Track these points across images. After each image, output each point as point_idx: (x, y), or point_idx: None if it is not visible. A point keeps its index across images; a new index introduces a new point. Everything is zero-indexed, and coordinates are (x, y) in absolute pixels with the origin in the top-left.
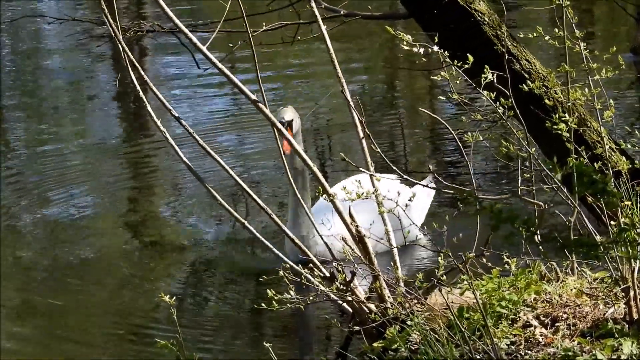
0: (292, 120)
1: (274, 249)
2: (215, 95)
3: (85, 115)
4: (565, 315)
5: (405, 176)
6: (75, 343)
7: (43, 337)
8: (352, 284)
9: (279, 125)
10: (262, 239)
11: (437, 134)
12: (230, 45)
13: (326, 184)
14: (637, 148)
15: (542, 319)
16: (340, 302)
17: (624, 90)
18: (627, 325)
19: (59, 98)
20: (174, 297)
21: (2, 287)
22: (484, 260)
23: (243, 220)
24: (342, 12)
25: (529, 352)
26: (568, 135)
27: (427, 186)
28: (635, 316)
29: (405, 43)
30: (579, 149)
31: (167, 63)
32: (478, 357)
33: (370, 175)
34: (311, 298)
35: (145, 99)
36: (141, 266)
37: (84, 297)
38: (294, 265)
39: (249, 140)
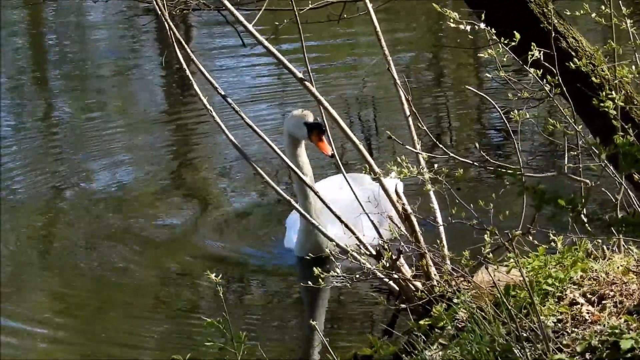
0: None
1: (320, 228)
2: (259, 67)
3: (129, 89)
4: (612, 293)
5: (451, 154)
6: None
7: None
8: (398, 262)
9: (325, 103)
10: (309, 217)
11: (483, 112)
12: (276, 23)
13: (373, 163)
14: None
15: (589, 296)
16: (386, 280)
17: None
18: None
19: (103, 71)
20: (219, 276)
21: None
22: (531, 238)
23: (288, 198)
24: None
25: (576, 329)
26: (615, 112)
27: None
28: None
29: (452, 20)
30: (626, 127)
31: (212, 38)
32: (525, 334)
33: (417, 153)
34: (357, 276)
35: (191, 77)
36: (183, 239)
37: (129, 271)
38: (341, 244)
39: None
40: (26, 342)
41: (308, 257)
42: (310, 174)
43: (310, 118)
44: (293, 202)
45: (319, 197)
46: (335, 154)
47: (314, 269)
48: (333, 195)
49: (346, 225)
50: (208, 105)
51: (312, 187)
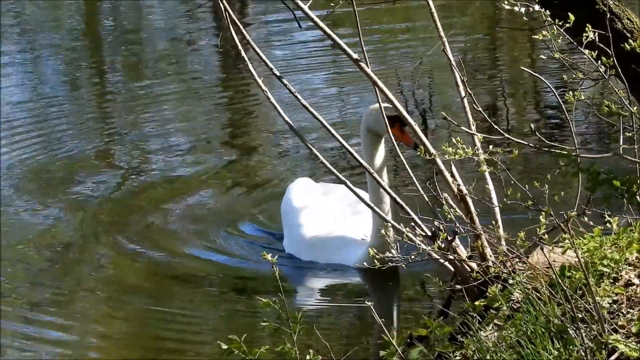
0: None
1: (376, 209)
2: (315, 50)
3: (185, 70)
4: None
5: (506, 135)
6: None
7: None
8: (453, 243)
9: (380, 84)
10: (362, 198)
11: (538, 93)
12: (332, 4)
13: (428, 143)
14: None
15: None
16: (442, 261)
17: None
18: None
19: (159, 54)
20: (276, 256)
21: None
22: (586, 219)
23: (345, 180)
24: None
25: (631, 310)
26: None
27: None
28: None
29: (506, 2)
30: None
31: (267, 18)
32: (580, 315)
33: (472, 134)
34: (413, 257)
35: (246, 58)
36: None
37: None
38: (396, 225)
39: (349, 95)
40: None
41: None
42: (385, 174)
43: (389, 110)
44: (349, 184)
45: (391, 196)
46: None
47: (369, 249)
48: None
49: (404, 209)
50: (264, 87)
51: (385, 187)
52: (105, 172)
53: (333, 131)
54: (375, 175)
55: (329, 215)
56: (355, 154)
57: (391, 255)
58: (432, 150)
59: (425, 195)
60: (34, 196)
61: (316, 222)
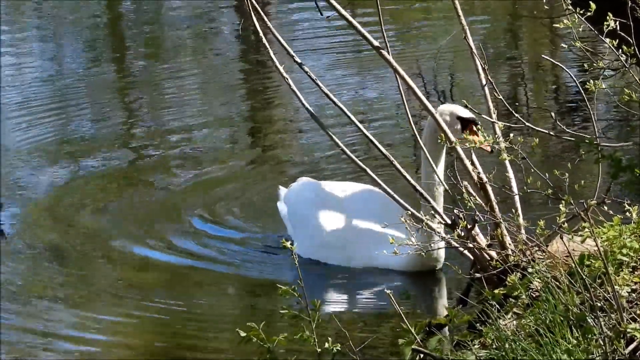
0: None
1: (392, 193)
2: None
3: (205, 57)
4: None
5: (527, 124)
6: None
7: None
8: (473, 231)
9: (401, 72)
10: (381, 183)
11: (559, 82)
12: None
13: (448, 131)
14: None
15: None
16: (461, 249)
17: None
18: None
19: (180, 40)
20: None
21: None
22: (605, 207)
23: (364, 166)
24: None
25: None
26: None
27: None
28: None
29: None
30: None
31: (289, 8)
32: (599, 304)
33: (493, 122)
34: (432, 245)
35: (268, 46)
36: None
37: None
38: (415, 212)
39: (370, 84)
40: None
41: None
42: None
43: (463, 112)
44: (369, 171)
45: (411, 184)
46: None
47: (389, 237)
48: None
49: (424, 197)
50: (285, 74)
51: (407, 177)
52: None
53: (354, 118)
54: (396, 163)
55: (355, 216)
56: (375, 141)
57: (411, 242)
58: (453, 138)
59: (444, 184)
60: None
61: (346, 223)
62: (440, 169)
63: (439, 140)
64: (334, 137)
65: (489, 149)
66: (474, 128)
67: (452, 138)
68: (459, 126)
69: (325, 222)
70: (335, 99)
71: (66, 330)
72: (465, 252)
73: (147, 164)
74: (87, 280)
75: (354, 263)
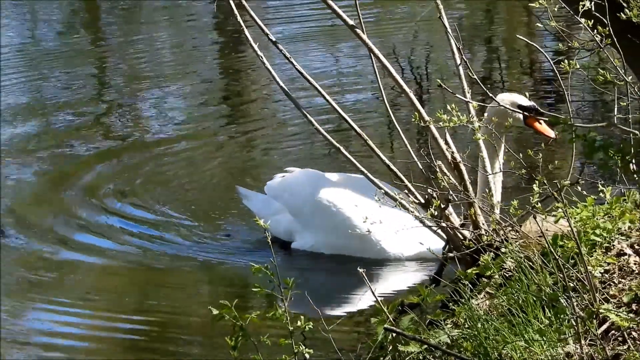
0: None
1: (367, 173)
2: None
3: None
4: None
5: (501, 104)
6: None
7: None
8: (446, 211)
9: (376, 51)
10: (356, 163)
11: (534, 62)
12: None
13: (422, 110)
14: None
15: (636, 247)
16: (435, 228)
17: None
18: None
19: (157, 24)
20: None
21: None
22: (579, 188)
23: (339, 145)
24: None
25: (623, 280)
26: None
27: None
28: None
29: None
30: None
31: None
32: (572, 284)
33: (467, 102)
34: (406, 224)
35: (243, 24)
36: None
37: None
38: (389, 191)
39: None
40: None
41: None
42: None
43: (524, 100)
44: (342, 149)
45: (385, 163)
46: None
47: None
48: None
49: (398, 176)
50: (259, 52)
51: (380, 155)
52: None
53: (329, 98)
54: (370, 141)
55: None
56: (350, 120)
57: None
58: (427, 117)
59: (419, 163)
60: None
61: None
62: (500, 156)
63: (413, 119)
64: (308, 115)
65: (553, 135)
66: (536, 116)
67: (426, 117)
68: (520, 115)
69: (355, 215)
70: (310, 79)
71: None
72: (439, 231)
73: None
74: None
75: (380, 254)
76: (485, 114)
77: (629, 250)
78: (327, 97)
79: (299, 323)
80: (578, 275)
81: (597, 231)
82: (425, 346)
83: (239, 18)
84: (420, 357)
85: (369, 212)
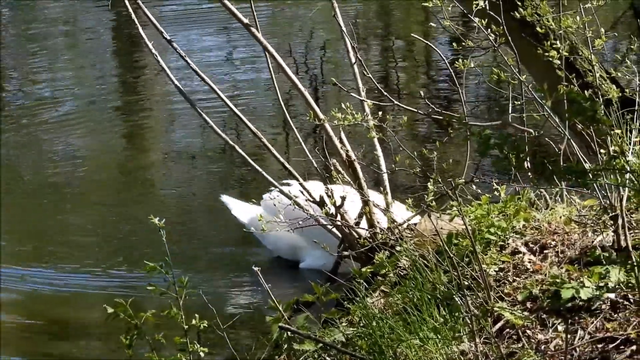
0: None
1: (261, 171)
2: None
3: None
4: (553, 243)
5: (395, 102)
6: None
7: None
8: (341, 209)
9: (270, 49)
10: (251, 162)
11: (430, 61)
12: None
13: (317, 109)
14: (628, 77)
15: (531, 246)
16: (329, 226)
17: (617, 19)
18: (614, 253)
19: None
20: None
21: None
22: (474, 186)
23: (233, 144)
24: None
25: (517, 278)
26: (559, 62)
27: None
28: (623, 244)
29: None
30: (570, 77)
31: None
32: (466, 283)
33: (362, 101)
34: (300, 222)
35: (137, 22)
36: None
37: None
38: (284, 190)
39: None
40: None
41: None
42: None
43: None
44: (237, 148)
45: (279, 161)
46: None
47: (258, 215)
48: None
49: (294, 176)
50: (154, 50)
51: (273, 151)
52: None
53: (224, 97)
54: (265, 140)
55: None
56: (246, 120)
57: (279, 220)
58: (322, 116)
59: (313, 161)
60: None
61: None
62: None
63: (308, 118)
64: (203, 114)
65: None
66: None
67: (321, 115)
68: None
69: None
70: (205, 78)
71: None
72: (334, 229)
73: None
74: None
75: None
76: None
77: (523, 249)
78: (223, 96)
79: (193, 322)
80: (473, 273)
81: (492, 229)
82: (321, 345)
83: (134, 17)
84: (316, 356)
85: None
